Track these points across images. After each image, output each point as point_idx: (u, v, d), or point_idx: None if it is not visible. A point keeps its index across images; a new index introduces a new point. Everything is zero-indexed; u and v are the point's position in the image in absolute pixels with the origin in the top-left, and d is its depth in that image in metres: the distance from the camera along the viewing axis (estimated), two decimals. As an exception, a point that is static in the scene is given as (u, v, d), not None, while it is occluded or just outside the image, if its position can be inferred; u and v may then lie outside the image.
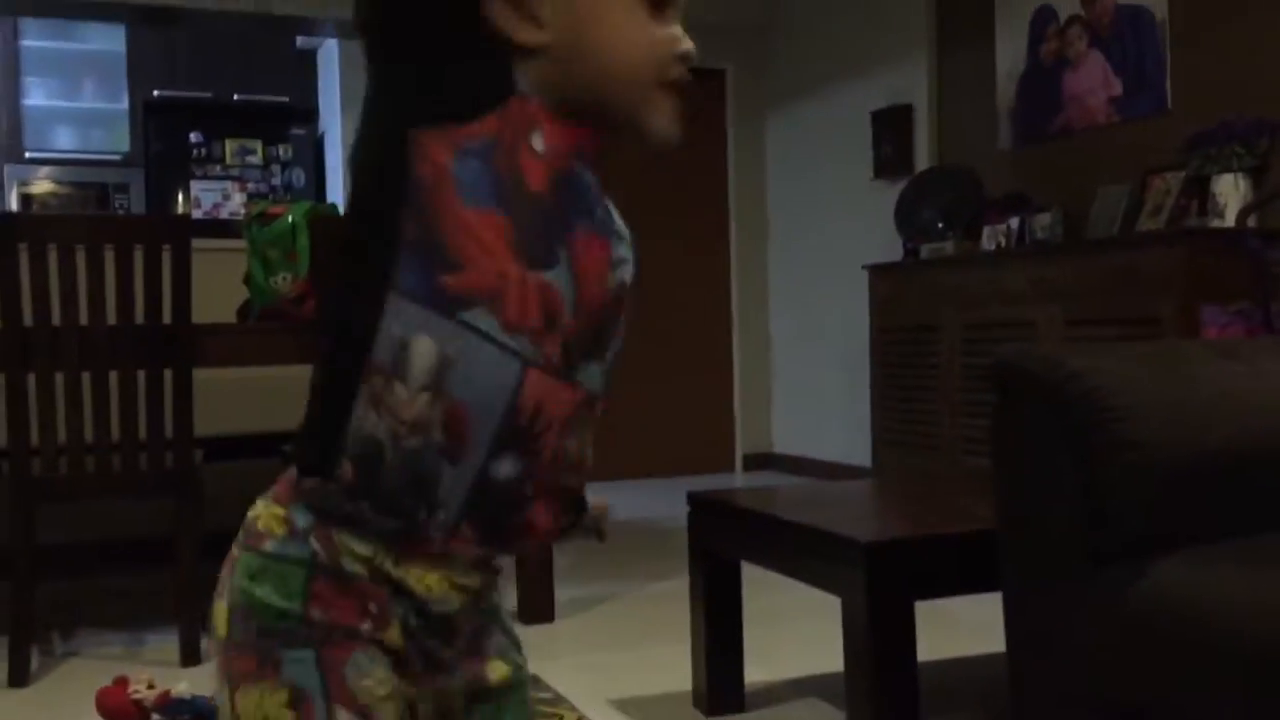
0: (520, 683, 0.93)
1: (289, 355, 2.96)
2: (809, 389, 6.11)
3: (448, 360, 0.73)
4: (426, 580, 0.81)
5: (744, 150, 6.44)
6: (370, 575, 0.79)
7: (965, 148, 4.96)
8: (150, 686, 2.31)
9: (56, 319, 2.64)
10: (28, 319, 2.62)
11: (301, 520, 0.80)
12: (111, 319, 2.68)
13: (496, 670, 0.91)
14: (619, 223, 0.85)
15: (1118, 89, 4.19)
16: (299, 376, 3.16)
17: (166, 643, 2.88)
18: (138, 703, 2.27)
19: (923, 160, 5.15)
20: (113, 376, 2.70)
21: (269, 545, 0.82)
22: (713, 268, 6.40)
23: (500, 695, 0.91)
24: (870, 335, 4.95)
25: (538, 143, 0.77)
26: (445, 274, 0.73)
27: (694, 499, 2.37)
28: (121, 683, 2.31)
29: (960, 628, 2.74)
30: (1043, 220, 4.27)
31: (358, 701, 0.79)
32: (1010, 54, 4.70)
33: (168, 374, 2.75)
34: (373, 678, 0.80)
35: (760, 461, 6.43)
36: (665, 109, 0.82)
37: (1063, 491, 1.56)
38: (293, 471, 0.82)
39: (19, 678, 2.62)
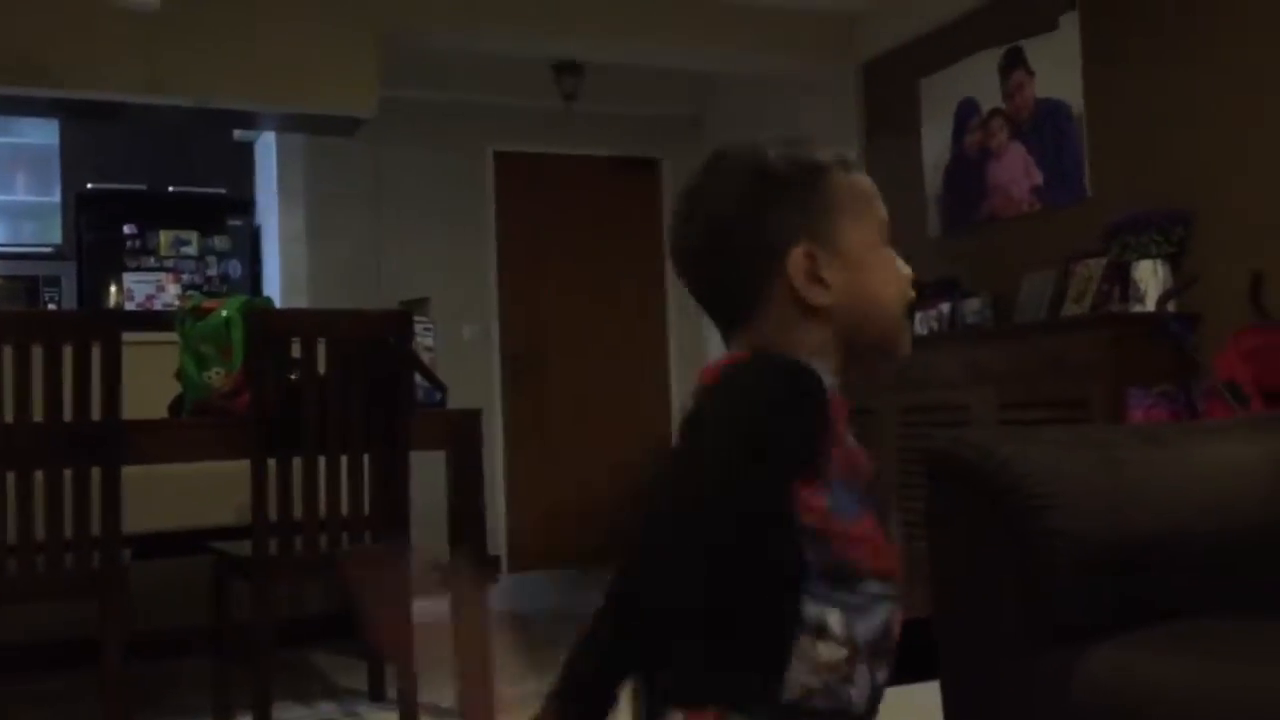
0: None
1: (220, 451, 2.92)
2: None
3: (850, 622, 0.93)
4: None
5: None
6: None
7: (895, 235, 5.06)
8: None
9: (-20, 418, 2.58)
10: (-50, 418, 2.56)
11: None
12: (38, 416, 2.62)
13: None
14: None
15: (1039, 178, 4.33)
16: (230, 472, 3.12)
17: (90, 751, 2.78)
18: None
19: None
20: (38, 476, 2.64)
21: None
22: (650, 349, 6.43)
23: None
24: (808, 419, 4.98)
25: (851, 438, 0.96)
26: (851, 575, 0.93)
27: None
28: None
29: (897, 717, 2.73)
30: (972, 305, 4.37)
31: None
32: (936, 144, 4.84)
33: (95, 472, 2.69)
34: None
35: (702, 547, 6.39)
36: (908, 328, 1.03)
37: (996, 578, 1.58)
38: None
39: (-68, 793, 2.51)
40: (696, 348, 6.50)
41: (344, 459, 2.94)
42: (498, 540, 5.91)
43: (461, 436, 3.16)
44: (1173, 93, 3.78)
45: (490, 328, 6.07)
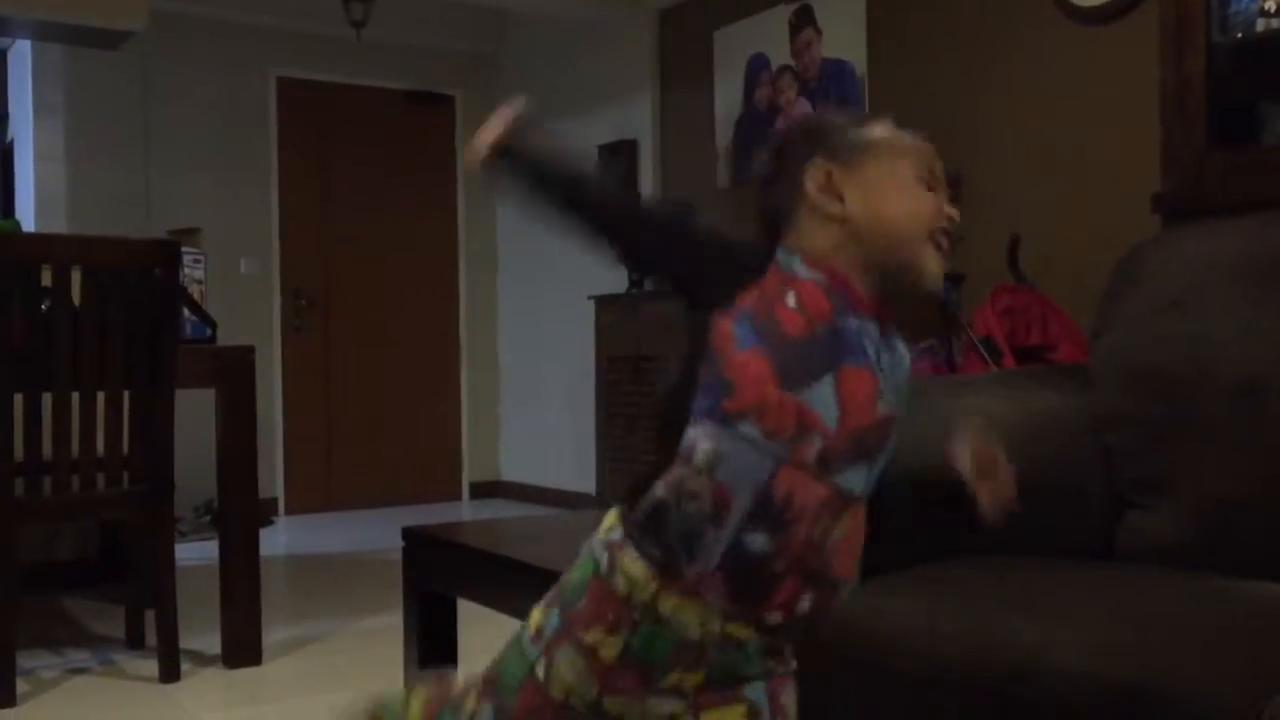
0: None
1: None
2: (536, 417, 6.13)
3: (720, 455, 0.99)
4: (676, 608, 1.01)
5: (474, 178, 6.40)
6: (626, 597, 1.02)
7: (686, 184, 5.14)
8: None
9: None
10: None
11: (614, 534, 1.06)
12: None
13: (729, 715, 1.05)
14: (896, 372, 1.05)
15: (824, 136, 4.46)
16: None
17: None
18: None
19: (647, 194, 5.30)
20: None
21: (592, 541, 1.09)
22: (441, 294, 6.33)
23: None
24: (595, 364, 5.02)
25: (791, 301, 1.01)
26: (725, 399, 0.99)
27: (409, 534, 2.32)
28: None
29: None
30: (756, 257, 4.48)
31: (555, 679, 1.05)
32: (728, 97, 4.92)
33: None
34: (571, 669, 1.04)
35: (487, 489, 6.39)
36: (933, 257, 1.07)
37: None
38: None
39: None
40: (487, 289, 6.44)
41: (100, 395, 2.76)
42: (274, 483, 5.73)
43: (232, 373, 3.02)
44: (947, 60, 3.95)
45: (270, 262, 5.82)
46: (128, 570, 3.37)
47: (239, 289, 5.60)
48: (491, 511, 5.78)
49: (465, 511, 5.98)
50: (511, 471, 6.38)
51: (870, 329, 1.03)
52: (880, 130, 1.12)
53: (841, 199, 1.06)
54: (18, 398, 2.67)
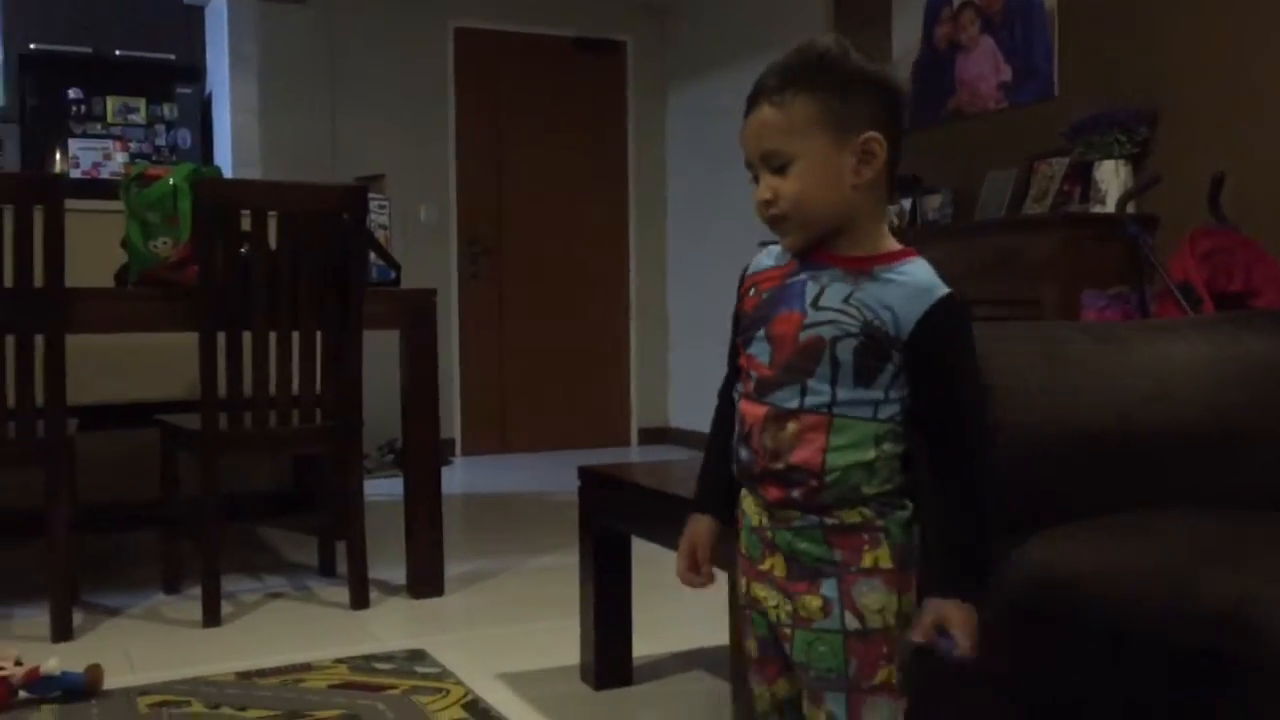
0: (830, 630, 1.21)
1: (167, 322, 2.87)
2: (703, 364, 6.15)
3: (732, 404, 1.29)
4: (744, 501, 1.29)
5: (644, 125, 6.42)
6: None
7: (861, 128, 5.01)
8: (18, 664, 2.23)
9: (-83, 280, 2.51)
10: (-114, 280, 2.49)
11: None
12: (-22, 281, 2.56)
13: (810, 603, 1.21)
14: (846, 300, 1.20)
15: (1007, 75, 4.28)
16: (177, 344, 3.08)
17: (37, 618, 2.78)
18: (4, 679, 2.19)
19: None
20: (-21, 342, 2.59)
21: None
22: (611, 242, 6.38)
23: (813, 626, 1.21)
24: (765, 312, 4.99)
25: (752, 292, 1.30)
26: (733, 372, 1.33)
27: (585, 473, 2.36)
28: (-14, 660, 2.22)
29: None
30: (934, 202, 4.36)
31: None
32: (906, 37, 4.76)
33: (39, 340, 2.64)
34: (741, 542, 1.30)
35: (656, 436, 6.45)
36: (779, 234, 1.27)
37: (942, 469, 1.59)
38: None
39: (-125, 656, 2.50)
40: (656, 236, 6.46)
41: (295, 335, 2.90)
42: (452, 424, 5.92)
43: (416, 316, 3.12)
44: (1146, -9, 3.73)
45: (448, 210, 5.98)
46: (319, 503, 3.56)
47: (418, 236, 5.78)
48: (659, 457, 5.84)
49: (634, 456, 6.05)
50: (679, 417, 6.42)
51: (841, 278, 1.21)
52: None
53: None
54: (221, 336, 2.83)
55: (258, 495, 4.12)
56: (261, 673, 2.42)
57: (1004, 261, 3.70)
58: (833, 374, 1.18)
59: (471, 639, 2.69)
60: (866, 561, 1.19)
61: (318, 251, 2.90)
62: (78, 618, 2.78)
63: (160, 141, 5.63)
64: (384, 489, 4.45)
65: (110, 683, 2.31)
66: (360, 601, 2.97)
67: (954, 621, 1.15)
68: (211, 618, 2.82)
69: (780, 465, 1.21)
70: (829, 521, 1.20)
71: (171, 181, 2.77)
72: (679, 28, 6.33)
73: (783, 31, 5.43)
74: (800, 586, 1.21)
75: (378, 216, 3.38)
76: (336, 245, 2.92)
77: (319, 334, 2.94)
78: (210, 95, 5.85)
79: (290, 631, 2.79)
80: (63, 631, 2.67)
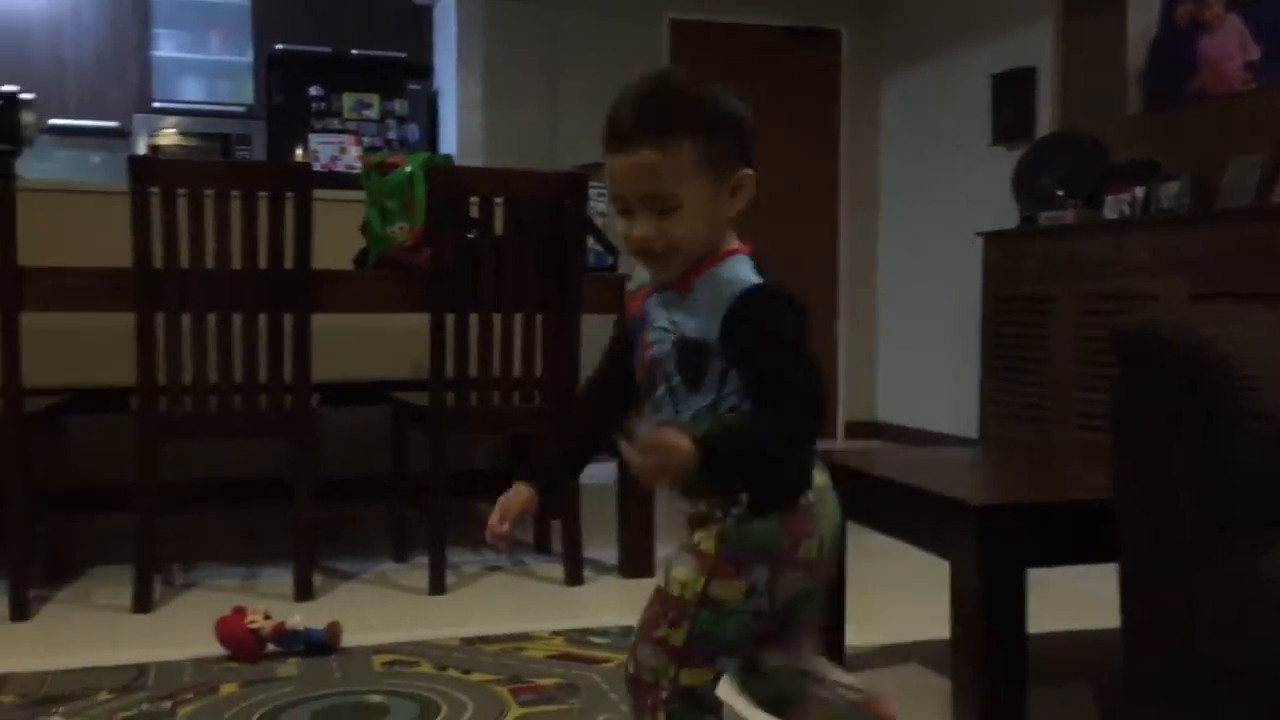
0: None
1: (401, 303, 3.02)
2: (916, 357, 6.02)
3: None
4: None
5: (857, 112, 6.33)
6: None
7: (1090, 112, 4.79)
8: (267, 618, 2.40)
9: (185, 262, 2.72)
10: (158, 261, 2.71)
11: None
12: (236, 264, 2.76)
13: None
14: (669, 319, 1.31)
15: (1255, 53, 4.01)
16: (410, 325, 3.23)
17: (281, 578, 2.98)
18: (254, 632, 2.36)
19: (1044, 125, 5.01)
20: (236, 320, 2.79)
21: None
22: (821, 232, 6.32)
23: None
24: (982, 304, 4.85)
25: (629, 302, 1.40)
26: None
27: (801, 459, 2.35)
28: (239, 613, 2.40)
29: (1068, 602, 2.68)
30: (1170, 189, 4.12)
31: None
32: (1143, 16, 4.52)
33: (287, 319, 2.83)
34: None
35: (863, 430, 6.36)
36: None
37: (1188, 462, 1.51)
38: None
39: (142, 604, 2.74)
40: (868, 224, 6.36)
41: (518, 318, 3.00)
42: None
43: (632, 301, 3.18)
44: None
45: (659, 200, 6.04)
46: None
47: (631, 226, 5.87)
48: (868, 450, 5.75)
49: (840, 449, 5.98)
50: (889, 412, 6.31)
51: (672, 298, 1.31)
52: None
53: None
54: (449, 318, 2.96)
55: (478, 473, 4.29)
56: (484, 639, 2.52)
57: (1252, 251, 3.47)
58: (669, 388, 1.30)
59: (683, 620, 2.72)
60: (696, 541, 1.31)
61: (540, 237, 2.99)
62: (317, 580, 2.96)
63: (391, 135, 5.93)
64: (592, 474, 4.55)
65: (347, 640, 2.46)
66: (574, 578, 3.06)
67: (660, 436, 1.16)
68: (437, 586, 2.95)
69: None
70: (690, 510, 1.33)
71: (408, 169, 2.91)
72: (894, 15, 6.20)
73: (1003, 12, 5.25)
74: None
75: (596, 203, 3.46)
76: (558, 231, 3.01)
77: (539, 317, 3.04)
78: (437, 91, 6.12)
79: (509, 603, 2.90)
80: (304, 591, 2.86)
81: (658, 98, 1.25)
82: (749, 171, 1.29)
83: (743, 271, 1.30)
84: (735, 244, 1.34)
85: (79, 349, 3.34)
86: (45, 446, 3.00)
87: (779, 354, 1.25)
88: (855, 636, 2.37)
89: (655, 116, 1.24)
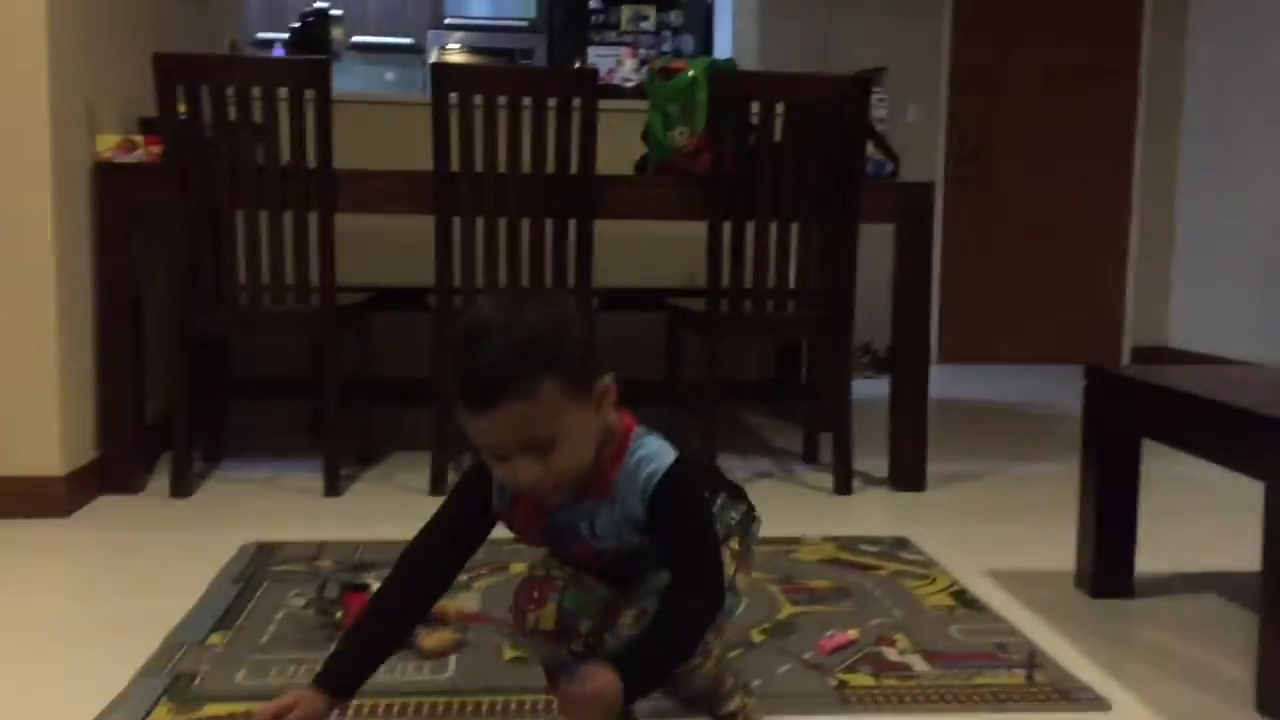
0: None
1: (679, 209, 3.05)
2: (1216, 282, 5.57)
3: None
4: None
5: (1162, 23, 5.84)
6: None
7: None
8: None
9: (479, 166, 2.85)
10: (455, 165, 2.85)
11: None
12: (525, 169, 2.86)
13: None
14: (602, 525, 1.35)
15: None
16: (683, 233, 3.27)
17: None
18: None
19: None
20: (524, 224, 2.90)
21: None
22: (1116, 148, 5.90)
23: None
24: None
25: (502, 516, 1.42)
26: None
27: (1093, 373, 2.24)
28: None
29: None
30: None
31: None
32: None
33: (571, 224, 2.92)
34: None
35: (1150, 355, 5.97)
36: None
37: None
38: None
39: (438, 487, 2.94)
40: (1168, 141, 5.90)
41: (794, 226, 2.98)
42: (930, 327, 5.83)
43: (913, 210, 3.10)
44: None
45: (936, 111, 5.82)
46: (804, 393, 3.66)
47: (904, 136, 5.68)
48: (1156, 377, 5.40)
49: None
50: (1180, 338, 5.89)
51: (591, 506, 1.33)
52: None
53: None
54: (725, 225, 2.97)
55: (744, 383, 4.34)
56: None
57: None
58: (609, 578, 1.43)
59: (956, 534, 2.68)
60: None
61: (820, 143, 2.94)
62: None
63: (666, 47, 5.97)
64: (859, 391, 4.50)
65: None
66: (843, 488, 3.05)
67: (594, 672, 1.22)
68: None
69: None
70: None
71: (691, 73, 2.92)
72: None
73: None
74: None
75: (876, 110, 3.36)
76: (837, 137, 2.95)
77: (816, 225, 3.00)
78: (712, 2, 6.08)
79: (778, 508, 2.92)
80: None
81: (501, 352, 1.20)
82: (606, 380, 1.28)
83: (648, 450, 1.32)
84: (616, 426, 1.33)
85: (382, 251, 3.59)
86: (353, 341, 3.25)
87: (693, 541, 1.33)
88: (1144, 562, 2.26)
89: (510, 372, 1.19)
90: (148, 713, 1.63)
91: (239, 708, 1.64)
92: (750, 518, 1.52)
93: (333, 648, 1.38)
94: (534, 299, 1.30)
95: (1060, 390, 4.99)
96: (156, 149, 2.83)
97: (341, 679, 1.33)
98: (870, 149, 3.16)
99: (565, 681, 1.23)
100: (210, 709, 1.64)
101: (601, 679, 1.21)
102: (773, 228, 2.97)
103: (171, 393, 2.93)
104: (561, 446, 1.24)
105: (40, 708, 1.66)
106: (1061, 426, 4.18)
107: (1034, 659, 1.85)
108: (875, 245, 3.26)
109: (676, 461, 1.32)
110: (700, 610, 1.32)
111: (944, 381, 5.34)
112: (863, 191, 2.99)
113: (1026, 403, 4.69)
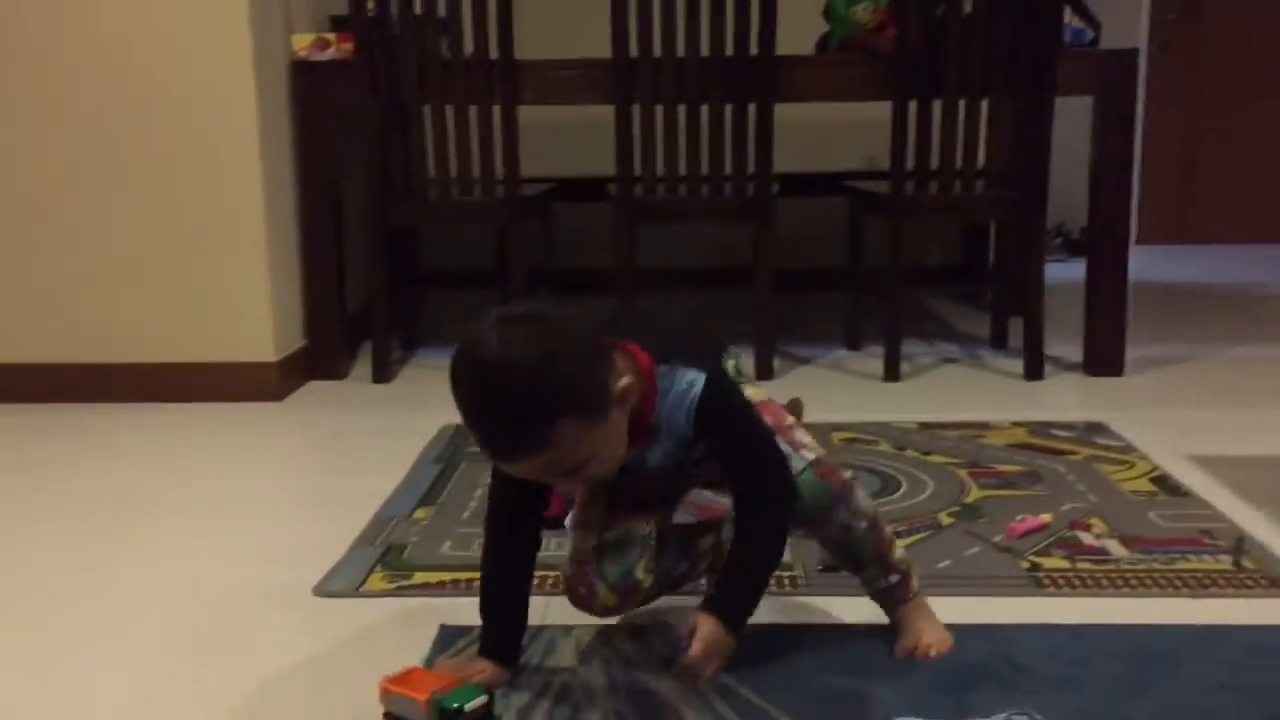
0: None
1: (862, 90, 2.97)
2: None
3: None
4: None
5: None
6: None
7: None
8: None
9: (658, 50, 2.82)
10: (634, 50, 2.83)
11: None
12: (704, 50, 2.82)
13: None
14: (656, 456, 1.38)
15: None
16: (865, 115, 3.18)
17: (742, 357, 3.13)
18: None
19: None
20: (703, 111, 2.87)
21: None
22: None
23: None
24: None
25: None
26: None
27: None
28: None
29: None
30: None
31: None
32: None
33: (751, 108, 2.87)
34: None
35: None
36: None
37: None
38: None
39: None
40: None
41: (984, 104, 2.86)
42: (1130, 207, 5.53)
43: (1114, 80, 2.92)
44: None
45: (1140, -24, 5.42)
46: (991, 277, 3.55)
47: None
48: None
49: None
50: None
51: (631, 459, 1.33)
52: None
53: None
54: (911, 105, 2.87)
55: (929, 268, 4.23)
56: (941, 425, 2.53)
57: None
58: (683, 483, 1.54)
59: (1157, 419, 2.58)
60: None
61: (1013, 11, 2.79)
62: (775, 361, 3.09)
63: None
64: (1048, 274, 4.33)
65: (807, 417, 2.56)
66: (1034, 373, 2.97)
67: (698, 631, 1.27)
68: (892, 373, 2.99)
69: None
70: None
71: (876, -55, 2.81)
72: None
73: None
74: None
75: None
76: (1032, 4, 2.80)
77: (1008, 101, 2.87)
78: None
79: (965, 393, 2.88)
80: (764, 370, 3.00)
81: (507, 419, 1.17)
82: (626, 380, 1.24)
83: (677, 383, 1.32)
84: (639, 384, 1.28)
85: (562, 142, 3.62)
86: (539, 231, 3.31)
87: (746, 448, 1.34)
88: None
89: (523, 433, 1.17)
90: (364, 579, 1.75)
91: (446, 576, 1.74)
92: (728, 356, 1.49)
93: (480, 629, 1.41)
94: (529, 325, 1.18)
95: (1272, 270, 4.69)
96: (348, 46, 2.91)
97: (506, 654, 1.39)
98: (1067, 15, 2.98)
99: (678, 657, 1.31)
100: (420, 576, 1.75)
101: (704, 634, 1.28)
102: (961, 105, 2.85)
103: (370, 284, 3.07)
104: (595, 459, 1.24)
105: (270, 571, 1.80)
106: (1270, 308, 3.95)
107: (1242, 545, 1.79)
108: (1069, 119, 3.09)
109: (706, 383, 1.32)
110: (771, 519, 1.35)
111: (1142, 264, 5.08)
112: (1059, 62, 2.84)
113: (1239, 284, 4.43)
